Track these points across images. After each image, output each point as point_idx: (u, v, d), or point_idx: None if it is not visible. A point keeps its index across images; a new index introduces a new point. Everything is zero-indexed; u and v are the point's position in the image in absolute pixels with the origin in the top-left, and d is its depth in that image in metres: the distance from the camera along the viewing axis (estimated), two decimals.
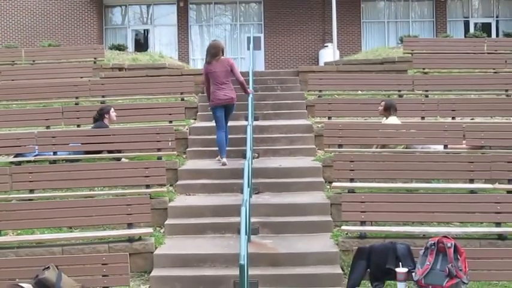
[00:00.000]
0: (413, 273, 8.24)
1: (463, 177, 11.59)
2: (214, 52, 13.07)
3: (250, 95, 14.05)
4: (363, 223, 10.24)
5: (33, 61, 19.94)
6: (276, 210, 11.17)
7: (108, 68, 18.89)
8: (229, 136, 13.84)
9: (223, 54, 13.21)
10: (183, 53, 31.78)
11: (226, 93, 13.05)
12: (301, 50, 31.60)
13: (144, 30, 33.05)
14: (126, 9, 32.74)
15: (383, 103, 13.30)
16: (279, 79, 18.27)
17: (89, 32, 31.17)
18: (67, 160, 12.91)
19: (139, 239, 10.34)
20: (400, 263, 8.37)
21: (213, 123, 13.81)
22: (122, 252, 9.67)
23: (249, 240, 9.49)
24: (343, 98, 16.12)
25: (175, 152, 13.15)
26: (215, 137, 13.42)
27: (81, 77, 17.60)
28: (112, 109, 13.51)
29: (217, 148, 13.36)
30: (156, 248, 10.29)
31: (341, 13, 29.69)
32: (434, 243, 8.25)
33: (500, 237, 10.03)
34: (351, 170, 11.42)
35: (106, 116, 13.33)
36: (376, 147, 12.83)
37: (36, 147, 13.01)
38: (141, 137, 13.08)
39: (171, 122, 14.48)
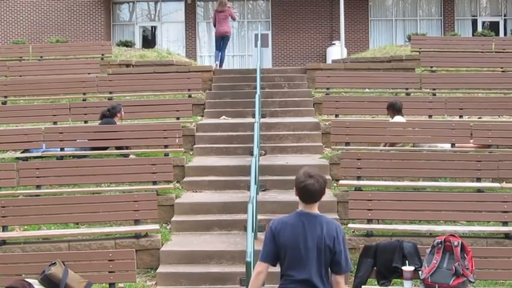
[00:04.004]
0: (419, 272, 8.25)
1: (470, 176, 11.58)
2: (221, 7, 20.44)
3: (257, 94, 14.48)
4: (369, 221, 10.24)
5: (41, 57, 19.96)
6: (282, 207, 11.15)
7: (116, 65, 18.89)
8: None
9: (225, 8, 20.51)
10: (191, 50, 31.74)
11: (223, 28, 20.39)
12: (308, 48, 31.53)
13: (152, 27, 33.02)
14: (134, 5, 32.72)
15: None
16: (286, 76, 18.26)
17: (96, 28, 31.17)
18: (74, 156, 12.93)
19: (146, 235, 10.37)
20: (407, 262, 8.38)
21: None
22: (128, 249, 9.75)
23: (255, 237, 9.50)
24: (350, 95, 16.11)
25: (182, 149, 13.18)
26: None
27: (89, 73, 17.62)
28: (122, 108, 13.56)
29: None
30: (162, 244, 10.32)
31: (349, 11, 29.65)
32: (441, 241, 8.26)
33: (507, 236, 10.01)
34: (358, 168, 11.41)
35: (118, 115, 13.38)
36: (384, 146, 12.81)
37: (44, 143, 13.03)
38: (148, 133, 13.13)
39: (178, 118, 14.51)
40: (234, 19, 21.16)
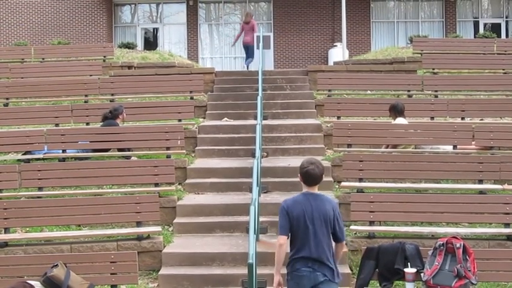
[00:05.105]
0: (421, 274, 8.24)
1: (472, 178, 11.58)
2: (247, 18, 23.62)
3: (259, 95, 14.53)
4: (371, 223, 10.24)
5: (43, 59, 19.99)
6: None
7: (118, 66, 18.91)
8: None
9: (251, 19, 23.58)
10: (192, 52, 31.74)
11: (246, 38, 23.30)
12: (310, 50, 31.51)
13: (154, 28, 33.00)
14: (136, 7, 32.72)
15: None
16: (288, 78, 18.26)
17: (98, 30, 31.17)
18: (76, 158, 12.93)
19: (148, 237, 10.36)
20: (409, 263, 8.37)
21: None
22: (130, 251, 9.75)
23: (257, 239, 9.49)
24: (352, 97, 16.11)
25: (184, 151, 13.19)
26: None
27: (91, 75, 17.63)
28: (124, 109, 13.56)
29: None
30: (164, 246, 10.31)
31: (350, 13, 29.66)
32: (443, 243, 8.25)
33: (509, 238, 10.01)
34: (360, 170, 11.41)
35: (120, 116, 13.37)
36: (386, 147, 12.80)
37: (45, 145, 13.04)
38: (150, 135, 13.12)
39: (180, 120, 14.51)
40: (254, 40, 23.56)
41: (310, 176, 7.07)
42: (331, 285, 6.97)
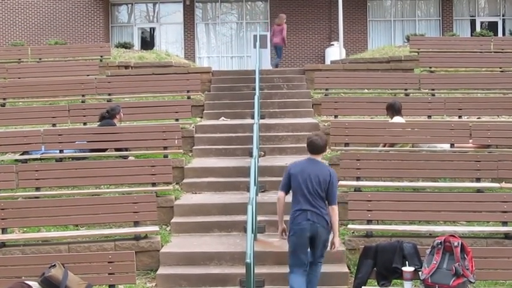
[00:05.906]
0: (419, 272, 8.24)
1: (469, 176, 11.58)
2: (279, 21, 24.26)
3: (256, 95, 14.54)
4: (369, 222, 10.24)
5: (40, 59, 19.94)
6: None
7: (115, 66, 18.87)
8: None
9: (283, 22, 24.15)
10: (189, 51, 31.71)
11: (275, 39, 24.07)
12: (307, 49, 31.49)
13: (150, 28, 32.97)
14: (133, 7, 32.67)
15: None
16: (285, 77, 18.25)
17: (95, 30, 31.14)
18: (73, 158, 12.92)
19: (146, 237, 10.36)
20: (407, 262, 8.37)
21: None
22: (128, 250, 9.73)
23: (255, 238, 9.49)
24: (349, 96, 16.11)
25: (181, 150, 13.17)
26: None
27: (88, 75, 17.60)
28: (121, 109, 13.55)
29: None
30: (162, 246, 10.31)
31: (347, 11, 29.61)
32: (441, 242, 8.25)
33: (507, 236, 10.02)
34: (357, 169, 11.42)
35: (117, 116, 13.36)
36: (383, 146, 12.81)
37: (43, 145, 13.02)
38: (148, 135, 13.12)
39: (177, 120, 14.50)
40: (284, 41, 24.43)
41: (313, 145, 8.59)
42: (328, 234, 8.47)
